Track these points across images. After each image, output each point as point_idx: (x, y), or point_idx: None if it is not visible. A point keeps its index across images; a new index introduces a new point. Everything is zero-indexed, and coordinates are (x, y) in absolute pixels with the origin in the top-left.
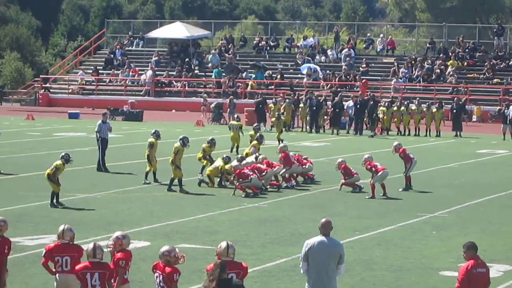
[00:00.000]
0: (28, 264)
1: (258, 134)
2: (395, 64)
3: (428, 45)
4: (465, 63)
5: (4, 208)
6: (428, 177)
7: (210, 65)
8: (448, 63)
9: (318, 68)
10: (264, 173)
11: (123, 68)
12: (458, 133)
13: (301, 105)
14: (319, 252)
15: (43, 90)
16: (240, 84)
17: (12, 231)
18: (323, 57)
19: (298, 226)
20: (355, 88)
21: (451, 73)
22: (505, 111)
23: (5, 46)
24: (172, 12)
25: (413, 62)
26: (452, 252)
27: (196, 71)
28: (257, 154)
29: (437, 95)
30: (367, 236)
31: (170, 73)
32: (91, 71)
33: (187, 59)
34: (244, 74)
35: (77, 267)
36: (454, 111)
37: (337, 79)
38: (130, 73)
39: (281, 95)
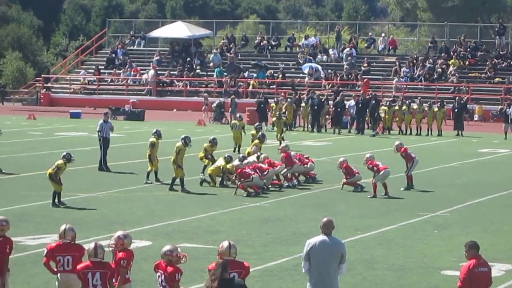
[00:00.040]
0: (30, 264)
1: (260, 133)
2: (397, 63)
3: (429, 44)
4: (467, 62)
5: (5, 208)
6: (429, 177)
7: (211, 64)
8: (450, 63)
9: (320, 68)
10: (265, 173)
11: (124, 68)
12: (460, 132)
13: (303, 104)
14: (320, 252)
15: (45, 89)
16: (241, 84)
17: (14, 230)
18: (324, 57)
19: (300, 225)
20: (356, 88)
21: (452, 72)
22: (507, 110)
23: (7, 46)
24: (173, 12)
25: (414, 61)
26: (454, 251)
27: (197, 71)
28: (259, 153)
29: (438, 94)
30: (368, 236)
31: (171, 72)
32: (92, 70)
33: (188, 59)
34: (245, 74)
35: (78, 267)
36: (456, 110)
37: (338, 78)
38: (132, 72)
39: (282, 94)
